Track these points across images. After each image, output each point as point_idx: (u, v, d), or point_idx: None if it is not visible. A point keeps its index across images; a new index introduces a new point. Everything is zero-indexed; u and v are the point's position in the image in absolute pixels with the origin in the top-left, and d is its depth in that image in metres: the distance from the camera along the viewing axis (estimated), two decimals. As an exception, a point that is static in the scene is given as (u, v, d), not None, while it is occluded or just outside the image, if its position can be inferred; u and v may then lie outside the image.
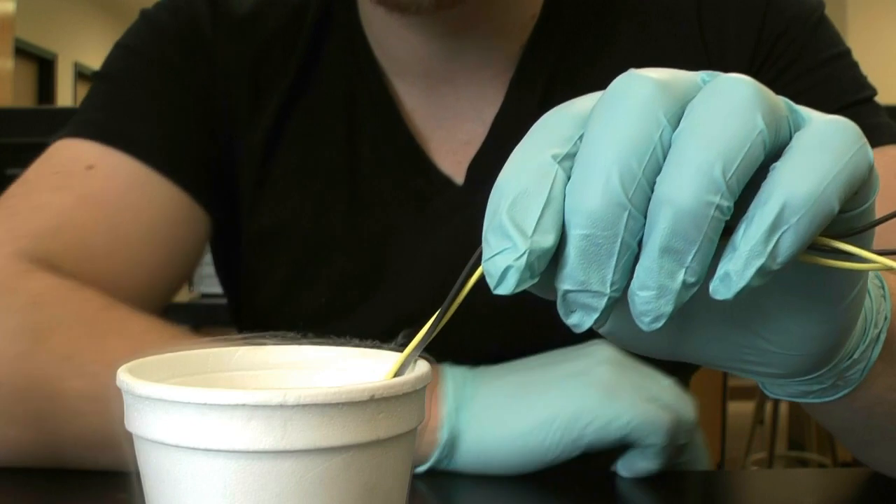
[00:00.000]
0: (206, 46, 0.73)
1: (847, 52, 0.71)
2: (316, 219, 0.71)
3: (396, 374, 0.35)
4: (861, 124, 0.69)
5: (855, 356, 0.43)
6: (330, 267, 0.71)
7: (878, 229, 0.35)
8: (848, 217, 0.34)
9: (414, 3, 0.63)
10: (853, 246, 0.33)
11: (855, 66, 0.71)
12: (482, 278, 0.33)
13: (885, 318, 0.44)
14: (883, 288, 0.45)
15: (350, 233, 0.71)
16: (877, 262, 0.33)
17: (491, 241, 0.33)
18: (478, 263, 0.34)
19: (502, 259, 0.32)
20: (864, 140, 0.33)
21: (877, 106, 0.70)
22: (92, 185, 0.69)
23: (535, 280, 0.33)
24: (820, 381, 0.43)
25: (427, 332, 0.35)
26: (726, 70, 0.68)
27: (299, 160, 0.72)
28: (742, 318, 0.38)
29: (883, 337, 0.44)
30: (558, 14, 0.71)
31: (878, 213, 0.36)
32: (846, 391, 0.45)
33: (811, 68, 0.68)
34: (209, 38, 0.73)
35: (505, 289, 0.32)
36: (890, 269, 0.33)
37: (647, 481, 0.61)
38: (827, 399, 0.45)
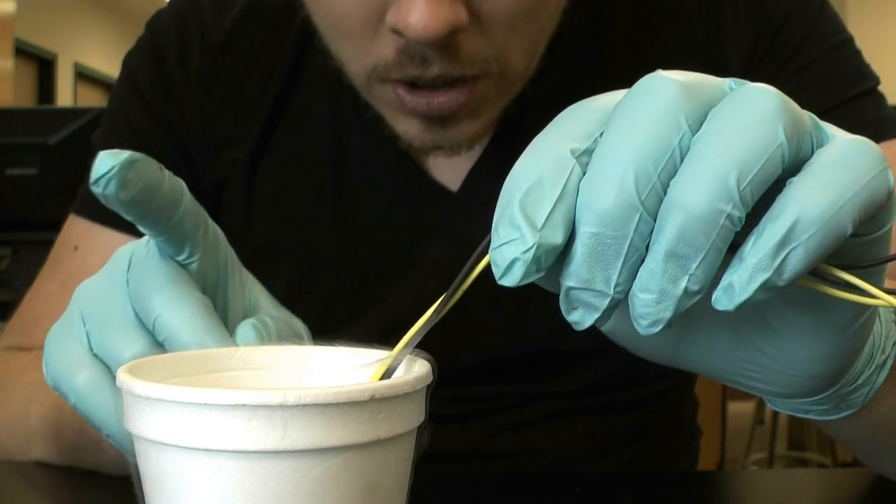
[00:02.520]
0: (171, 87, 0.73)
1: (850, 40, 0.70)
2: (306, 236, 0.70)
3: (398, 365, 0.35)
4: (865, 118, 0.68)
5: (859, 381, 0.42)
6: (324, 283, 0.71)
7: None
8: (863, 242, 0.34)
9: (449, 151, 0.62)
10: (860, 279, 0.33)
11: (858, 54, 0.70)
12: (488, 271, 0.33)
13: (894, 344, 0.43)
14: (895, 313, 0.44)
15: (341, 247, 0.70)
16: (881, 299, 0.32)
17: (500, 230, 0.32)
18: (485, 252, 0.34)
19: (510, 250, 0.32)
20: (887, 164, 0.33)
21: (881, 96, 0.69)
22: (73, 267, 0.72)
23: (541, 274, 0.32)
24: (821, 403, 0.43)
25: (433, 315, 0.34)
26: (727, 62, 0.68)
27: (286, 178, 0.71)
28: (746, 332, 0.37)
29: (890, 362, 0.43)
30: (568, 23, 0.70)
31: None
32: (848, 412, 0.44)
33: (814, 59, 0.67)
34: (174, 76, 0.73)
35: (510, 280, 0.32)
36: (893, 306, 0.32)
37: (647, 481, 0.61)
38: (829, 418, 0.45)
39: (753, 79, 0.34)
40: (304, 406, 0.30)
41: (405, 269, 0.69)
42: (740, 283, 0.31)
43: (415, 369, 0.35)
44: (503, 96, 0.62)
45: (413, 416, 0.33)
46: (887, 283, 0.36)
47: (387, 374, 0.35)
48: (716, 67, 0.68)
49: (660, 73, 0.33)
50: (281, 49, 0.72)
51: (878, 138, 0.64)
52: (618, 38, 0.70)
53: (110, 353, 0.43)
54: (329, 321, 0.70)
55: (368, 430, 0.31)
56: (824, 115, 0.36)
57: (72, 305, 0.45)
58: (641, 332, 0.33)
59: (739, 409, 2.91)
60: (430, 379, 0.34)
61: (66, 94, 7.88)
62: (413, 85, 0.58)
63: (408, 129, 0.61)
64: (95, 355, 0.44)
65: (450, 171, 0.70)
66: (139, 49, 0.76)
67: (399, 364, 0.35)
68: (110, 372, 0.43)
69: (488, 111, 0.61)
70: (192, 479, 0.31)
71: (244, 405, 0.30)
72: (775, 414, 2.82)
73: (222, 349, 0.39)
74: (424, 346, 0.35)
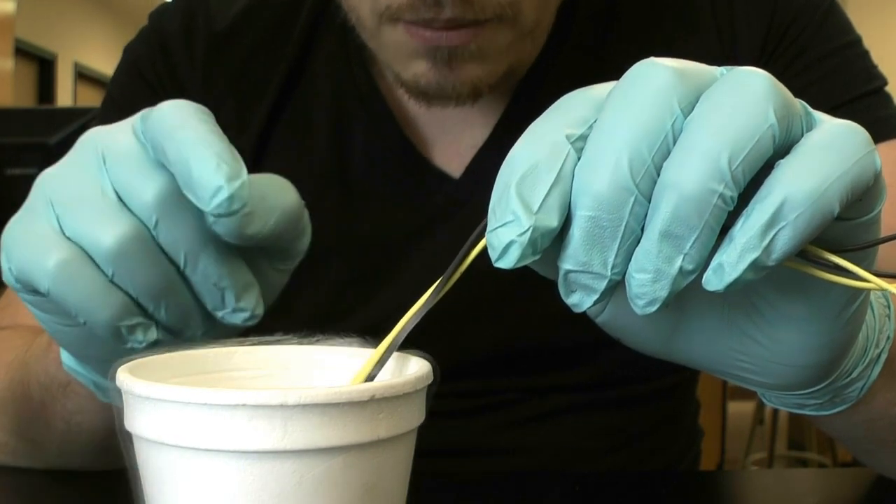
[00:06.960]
0: (177, 75, 0.73)
1: (858, 41, 0.70)
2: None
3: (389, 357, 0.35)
4: (871, 117, 0.69)
5: (853, 375, 0.43)
6: (326, 271, 0.71)
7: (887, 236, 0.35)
8: (853, 225, 0.34)
9: (454, 100, 0.61)
10: (849, 262, 0.33)
11: (866, 55, 0.70)
12: (484, 256, 0.33)
13: (888, 339, 0.44)
14: (889, 307, 0.44)
15: (344, 236, 0.70)
16: (870, 282, 0.33)
17: (497, 213, 0.33)
18: (481, 235, 0.34)
19: (505, 232, 0.33)
20: (873, 147, 0.33)
21: (887, 97, 0.69)
22: None
23: (537, 257, 0.33)
24: (816, 397, 0.43)
25: (428, 300, 0.35)
26: (737, 59, 0.68)
27: (288, 167, 0.71)
28: (737, 320, 0.38)
29: (884, 357, 0.44)
30: (571, 14, 0.70)
31: (887, 210, 0.35)
32: (843, 407, 0.45)
33: (821, 58, 0.68)
34: (180, 64, 0.73)
35: (506, 262, 0.33)
36: (882, 289, 0.33)
37: (647, 481, 0.61)
38: (825, 413, 0.45)
39: None
40: (304, 406, 0.30)
41: (408, 256, 0.69)
42: (730, 263, 0.32)
43: (415, 369, 0.35)
44: (512, 48, 0.61)
45: (413, 416, 0.33)
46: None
47: (385, 357, 0.35)
48: (726, 60, 0.68)
49: (652, 59, 0.34)
50: (286, 40, 0.73)
51: (884, 137, 0.64)
52: (626, 35, 0.70)
53: (87, 235, 0.40)
54: (331, 310, 0.71)
55: (368, 430, 0.31)
56: (831, 113, 0.36)
57: (34, 194, 0.42)
58: (638, 311, 0.33)
59: (739, 409, 2.91)
60: (431, 379, 0.34)
61: (66, 94, 7.88)
62: (423, 27, 0.57)
63: (416, 69, 0.60)
64: (69, 238, 0.40)
65: (452, 159, 0.70)
66: (142, 38, 0.76)
67: (397, 346, 0.35)
68: (87, 255, 0.40)
69: (496, 59, 0.61)
70: (192, 479, 0.31)
71: (244, 405, 0.30)
72: (775, 414, 2.82)
73: (222, 349, 0.39)
74: (426, 339, 0.36)
